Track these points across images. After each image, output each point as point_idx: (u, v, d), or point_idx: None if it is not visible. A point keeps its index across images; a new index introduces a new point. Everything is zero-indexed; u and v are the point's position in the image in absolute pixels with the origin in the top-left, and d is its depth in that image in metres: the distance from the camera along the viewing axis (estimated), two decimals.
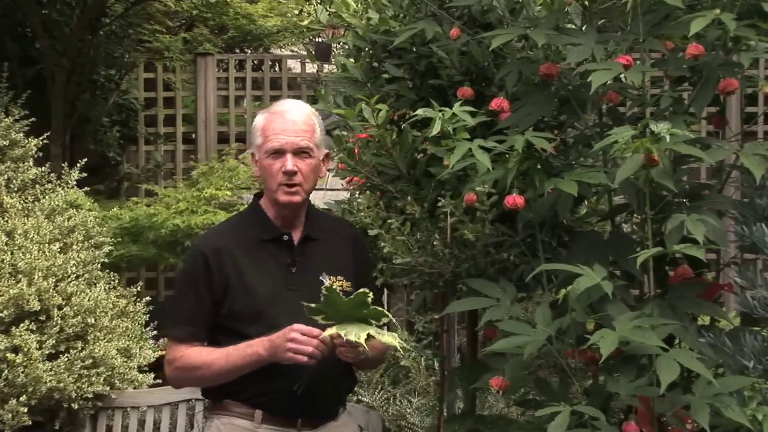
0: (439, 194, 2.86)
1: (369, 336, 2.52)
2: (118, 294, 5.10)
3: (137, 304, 5.15)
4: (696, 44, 2.53)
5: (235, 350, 2.67)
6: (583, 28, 2.82)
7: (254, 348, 2.65)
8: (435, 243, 2.83)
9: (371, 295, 2.55)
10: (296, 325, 2.59)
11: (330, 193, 6.76)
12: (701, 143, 2.62)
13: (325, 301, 2.54)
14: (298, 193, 2.74)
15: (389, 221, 2.86)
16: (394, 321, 2.60)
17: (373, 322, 2.56)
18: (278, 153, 2.72)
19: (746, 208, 2.70)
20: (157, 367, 4.91)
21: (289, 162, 2.71)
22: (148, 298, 5.28)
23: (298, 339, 2.58)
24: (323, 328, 2.57)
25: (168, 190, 7.13)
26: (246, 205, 6.50)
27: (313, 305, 2.56)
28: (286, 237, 2.77)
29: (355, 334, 2.50)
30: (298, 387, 2.65)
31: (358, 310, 2.54)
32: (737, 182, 2.89)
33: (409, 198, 2.90)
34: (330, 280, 2.71)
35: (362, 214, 2.98)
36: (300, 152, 2.73)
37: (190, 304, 2.74)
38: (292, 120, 2.74)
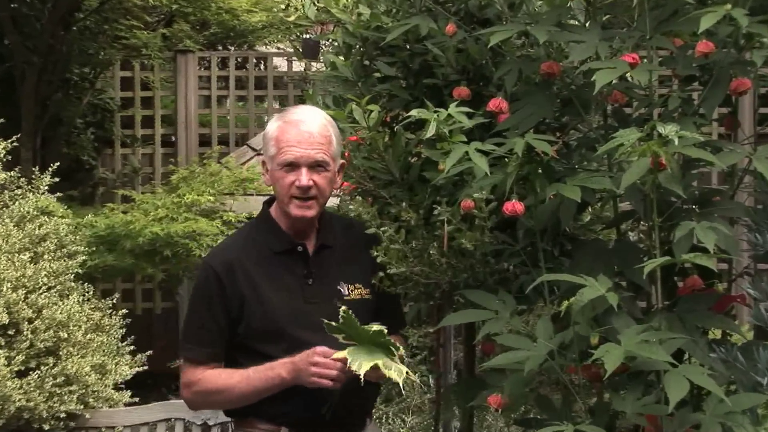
0: (435, 200, 2.87)
1: (375, 365, 2.54)
2: (93, 306, 5.08)
3: (113, 317, 5.14)
4: (706, 41, 2.54)
5: (256, 373, 2.70)
6: (587, 24, 2.83)
7: (276, 371, 2.68)
8: (431, 252, 2.84)
9: (385, 330, 2.59)
10: (320, 348, 2.61)
11: None
12: (712, 146, 2.63)
13: (344, 323, 2.56)
14: (312, 207, 2.76)
15: (383, 229, 2.86)
16: (406, 355, 2.62)
17: (391, 348, 2.59)
18: (292, 166, 2.73)
19: (760, 215, 2.71)
20: (134, 384, 4.90)
21: (304, 177, 2.73)
22: (124, 311, 5.27)
23: (323, 363, 2.61)
24: (344, 347, 2.59)
25: (146, 196, 7.12)
26: (230, 212, 6.47)
27: (333, 324, 2.58)
28: (300, 248, 2.79)
29: (358, 364, 2.53)
30: (327, 411, 2.69)
31: (376, 336, 2.57)
32: (750, 188, 2.90)
33: (403, 204, 2.90)
34: (348, 289, 2.75)
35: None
36: (316, 166, 2.74)
37: (206, 324, 2.77)
38: (307, 131, 2.74)
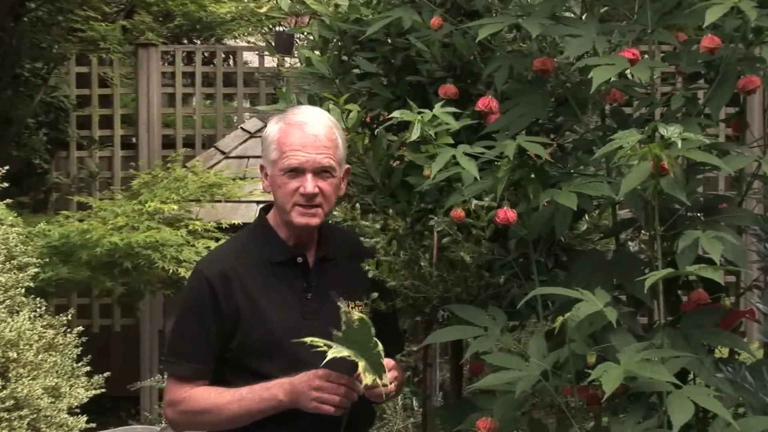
0: (420, 208, 2.88)
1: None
2: (46, 324, 5.06)
3: (67, 335, 5.12)
4: (712, 36, 2.55)
5: (250, 393, 2.69)
6: (584, 17, 2.84)
7: (273, 392, 2.67)
8: (422, 264, 2.85)
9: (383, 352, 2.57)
10: (322, 371, 2.61)
11: None
12: (718, 149, 2.64)
13: (356, 330, 2.53)
14: (317, 215, 2.75)
15: (375, 240, 2.87)
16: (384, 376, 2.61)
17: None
18: (296, 172, 2.73)
19: None
20: (90, 408, 4.88)
21: (309, 183, 2.72)
22: (80, 328, 5.25)
23: (326, 387, 2.61)
24: (349, 366, 2.57)
25: (104, 203, 7.09)
26: (196, 220, 6.45)
27: (341, 334, 2.55)
28: (300, 259, 2.79)
29: (374, 378, 2.53)
30: None
31: (376, 356, 2.55)
32: (759, 194, 2.92)
33: (390, 212, 2.91)
34: (348, 306, 2.74)
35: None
36: (321, 171, 2.74)
37: (195, 337, 2.76)
38: (313, 134, 2.73)
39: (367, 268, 2.82)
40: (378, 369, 2.54)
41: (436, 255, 2.81)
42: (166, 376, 2.89)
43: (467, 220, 2.72)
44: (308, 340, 2.54)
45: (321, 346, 2.52)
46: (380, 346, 2.53)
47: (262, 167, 2.81)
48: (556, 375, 2.54)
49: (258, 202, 6.73)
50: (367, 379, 2.51)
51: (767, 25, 2.60)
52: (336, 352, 2.51)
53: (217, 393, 2.73)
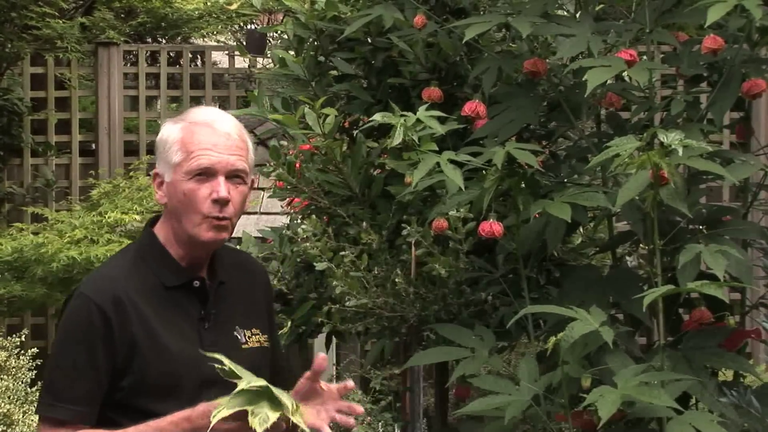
0: (401, 220, 2.88)
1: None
2: None
3: (21, 357, 5.10)
4: (714, 36, 2.57)
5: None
6: (577, 15, 2.85)
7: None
8: (397, 280, 2.85)
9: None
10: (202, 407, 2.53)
11: (265, 218, 6.76)
12: (722, 157, 2.66)
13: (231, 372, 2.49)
14: (226, 228, 2.62)
15: (342, 253, 2.86)
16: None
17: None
18: (205, 175, 2.60)
19: None
20: None
21: (222, 187, 2.56)
22: (34, 350, 5.22)
23: (231, 429, 2.46)
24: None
25: (61, 215, 7.07)
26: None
27: (228, 369, 2.49)
28: (197, 283, 2.69)
29: (262, 417, 2.45)
30: None
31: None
32: (766, 205, 2.93)
33: (364, 224, 2.91)
34: (245, 336, 2.67)
35: (307, 244, 2.98)
36: (234, 176, 2.63)
37: (80, 374, 2.56)
38: (225, 132, 2.60)
39: (334, 282, 2.82)
40: (275, 403, 2.47)
41: (415, 270, 2.81)
42: (37, 423, 2.64)
43: (446, 232, 2.72)
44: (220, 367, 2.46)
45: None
46: (261, 380, 2.46)
47: (156, 175, 2.62)
48: (549, 400, 2.55)
49: None
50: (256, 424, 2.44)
51: None
52: (229, 405, 2.45)
53: None
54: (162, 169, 2.60)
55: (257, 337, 2.68)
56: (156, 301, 2.59)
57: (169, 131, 2.57)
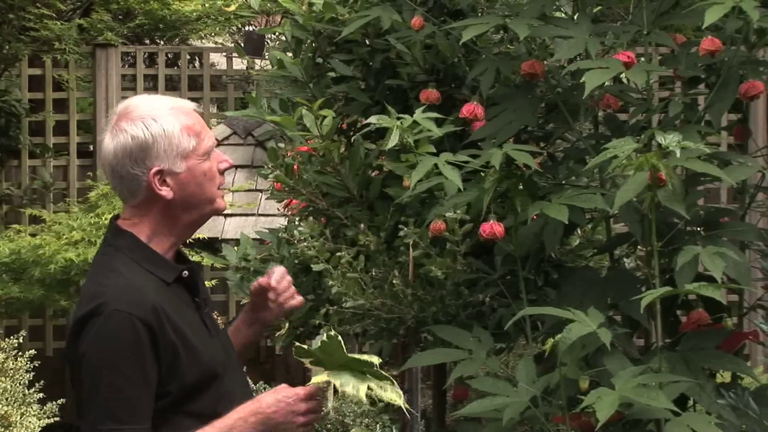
0: (399, 221, 2.88)
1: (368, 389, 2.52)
2: None
3: (19, 359, 5.10)
4: (712, 38, 2.57)
5: None
6: (575, 17, 2.85)
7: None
8: (395, 281, 2.85)
9: (379, 361, 2.53)
10: (303, 391, 2.55)
11: (263, 219, 6.76)
12: (719, 159, 2.66)
13: (321, 347, 2.53)
14: None
15: (338, 254, 2.86)
16: (398, 388, 2.58)
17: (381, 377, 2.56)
18: (209, 153, 2.69)
19: None
20: None
21: (226, 156, 2.71)
22: (32, 351, 5.22)
23: (312, 408, 2.55)
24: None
25: (59, 216, 7.07)
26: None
27: (304, 347, 2.54)
28: (185, 273, 2.67)
29: (353, 386, 2.50)
30: None
31: (357, 364, 2.54)
32: (763, 207, 2.93)
33: (361, 226, 2.91)
34: (216, 316, 2.73)
35: (304, 245, 2.98)
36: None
37: (137, 392, 2.54)
38: (198, 111, 2.67)
39: (330, 283, 2.83)
40: (380, 377, 2.52)
41: (412, 272, 2.82)
42: None
43: (443, 234, 2.72)
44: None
45: (301, 351, 2.53)
46: (369, 358, 2.52)
47: (158, 173, 2.60)
48: (547, 401, 2.55)
49: (227, 215, 6.72)
50: (361, 390, 2.49)
51: None
52: (335, 377, 2.50)
53: None
54: (167, 163, 2.61)
55: (218, 316, 2.73)
56: (169, 300, 2.60)
57: (165, 124, 2.58)
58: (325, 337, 2.52)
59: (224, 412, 2.58)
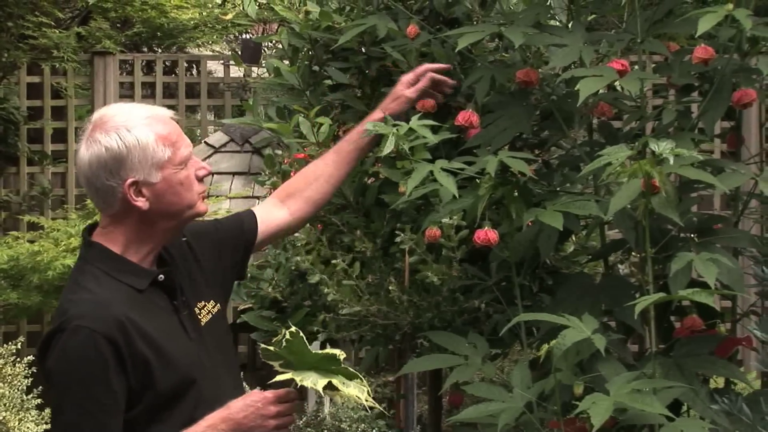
0: (394, 228, 2.88)
1: (330, 386, 2.52)
2: None
3: (17, 365, 5.09)
4: (705, 46, 2.58)
5: None
6: (569, 25, 2.86)
7: None
8: (390, 288, 2.85)
9: (344, 355, 2.54)
10: (272, 394, 2.54)
11: None
12: (712, 166, 2.66)
13: (287, 347, 2.53)
14: None
15: (334, 262, 2.87)
16: (365, 384, 2.58)
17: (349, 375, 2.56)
18: (186, 161, 2.67)
19: (767, 246, 2.74)
20: None
21: (204, 163, 2.69)
22: (30, 357, 5.21)
23: (283, 411, 2.54)
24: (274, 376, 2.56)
25: (57, 223, 7.07)
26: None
27: (270, 348, 2.54)
28: (161, 277, 2.63)
29: (312, 381, 2.50)
30: None
31: (326, 363, 2.54)
32: (756, 214, 2.93)
33: (357, 232, 2.91)
34: (200, 311, 2.68)
35: (298, 259, 2.99)
36: None
37: (102, 409, 2.50)
38: (174, 118, 2.64)
39: (326, 290, 2.82)
40: (348, 375, 2.53)
41: (408, 278, 2.82)
42: None
43: (439, 240, 2.72)
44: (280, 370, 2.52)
45: (269, 354, 2.52)
46: (330, 352, 2.52)
47: (133, 184, 2.56)
48: (542, 407, 2.55)
49: None
50: (319, 385, 2.50)
51: (763, 35, 2.63)
52: (298, 375, 2.50)
53: None
54: (142, 174, 2.57)
55: (207, 307, 2.69)
56: (140, 309, 2.56)
57: (139, 135, 2.55)
58: (288, 335, 2.50)
59: (201, 418, 2.55)
